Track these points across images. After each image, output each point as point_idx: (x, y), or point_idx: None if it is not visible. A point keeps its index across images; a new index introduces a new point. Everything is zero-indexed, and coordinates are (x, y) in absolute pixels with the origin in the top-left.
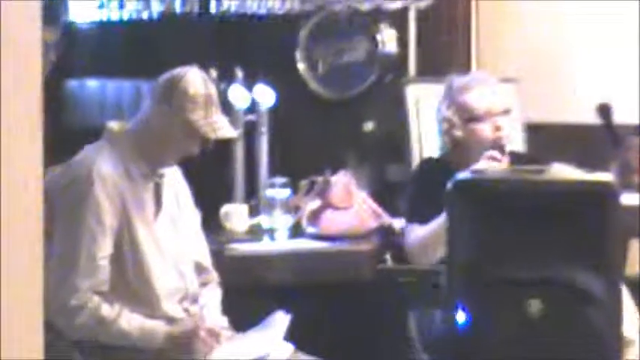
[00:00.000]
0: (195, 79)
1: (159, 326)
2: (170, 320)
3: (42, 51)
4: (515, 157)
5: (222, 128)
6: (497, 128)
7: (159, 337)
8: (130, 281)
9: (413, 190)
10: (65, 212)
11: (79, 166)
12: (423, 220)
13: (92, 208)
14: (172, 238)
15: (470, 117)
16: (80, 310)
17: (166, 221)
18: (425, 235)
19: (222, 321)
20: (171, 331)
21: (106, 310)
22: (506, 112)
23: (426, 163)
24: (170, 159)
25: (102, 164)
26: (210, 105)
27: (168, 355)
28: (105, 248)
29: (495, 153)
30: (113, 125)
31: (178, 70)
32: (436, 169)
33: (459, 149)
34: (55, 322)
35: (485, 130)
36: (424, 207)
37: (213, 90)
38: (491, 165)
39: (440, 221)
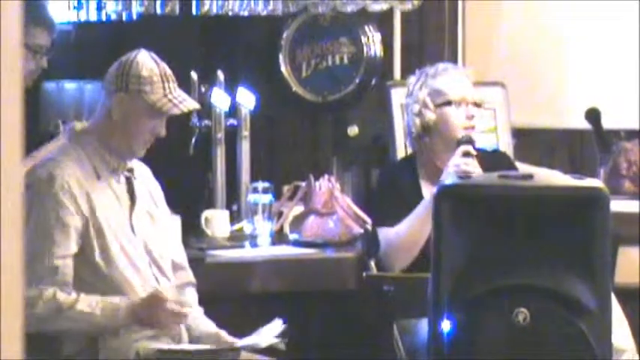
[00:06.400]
0: (145, 60)
1: (121, 301)
2: None
3: (36, 55)
4: (484, 154)
5: (184, 101)
6: (470, 117)
7: (122, 313)
8: (104, 288)
9: (378, 195)
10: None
11: (40, 167)
12: (392, 222)
13: (51, 206)
14: (150, 231)
15: (443, 101)
16: (36, 301)
17: (143, 215)
18: (396, 238)
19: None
20: (134, 304)
21: (62, 296)
22: (479, 104)
23: (388, 168)
24: (138, 147)
25: (66, 165)
26: (167, 82)
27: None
28: (65, 247)
29: (469, 148)
30: (74, 125)
31: (126, 56)
32: (400, 171)
33: (428, 139)
34: None
35: (457, 116)
36: (392, 209)
37: (166, 67)
38: (465, 161)
39: (412, 219)
